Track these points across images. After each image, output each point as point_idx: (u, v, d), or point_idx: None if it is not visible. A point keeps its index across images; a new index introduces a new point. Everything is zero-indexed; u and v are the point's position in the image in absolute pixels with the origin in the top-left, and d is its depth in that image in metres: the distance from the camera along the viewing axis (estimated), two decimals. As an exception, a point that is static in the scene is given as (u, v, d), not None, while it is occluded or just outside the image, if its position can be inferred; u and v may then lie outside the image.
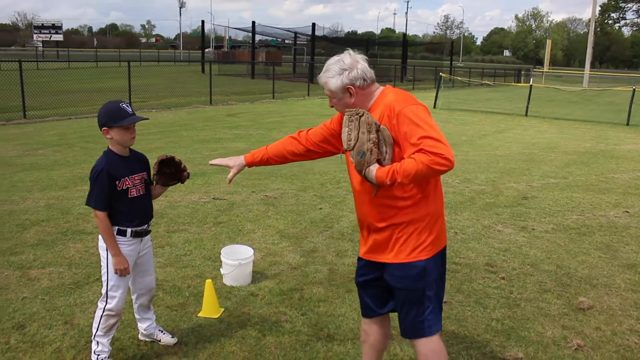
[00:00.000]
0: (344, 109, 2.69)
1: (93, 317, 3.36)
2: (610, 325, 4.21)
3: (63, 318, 3.98)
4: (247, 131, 13.68)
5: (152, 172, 3.31)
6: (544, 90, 32.14)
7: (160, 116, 16.14)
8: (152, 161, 3.40)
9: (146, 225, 3.29)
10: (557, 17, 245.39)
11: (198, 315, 4.09)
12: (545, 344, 3.88)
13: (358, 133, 2.52)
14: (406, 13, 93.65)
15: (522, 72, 54.56)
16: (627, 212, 7.42)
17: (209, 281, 4.13)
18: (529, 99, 20.94)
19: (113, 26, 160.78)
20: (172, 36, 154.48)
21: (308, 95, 25.75)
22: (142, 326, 3.62)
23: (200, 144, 11.58)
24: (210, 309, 4.09)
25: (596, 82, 50.93)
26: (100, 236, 3.19)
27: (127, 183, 3.15)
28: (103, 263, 3.21)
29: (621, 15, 71.06)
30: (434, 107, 21.87)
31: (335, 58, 2.69)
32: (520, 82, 45.54)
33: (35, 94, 16.40)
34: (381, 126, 2.55)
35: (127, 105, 3.10)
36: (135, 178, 3.20)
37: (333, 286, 4.71)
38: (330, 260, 5.29)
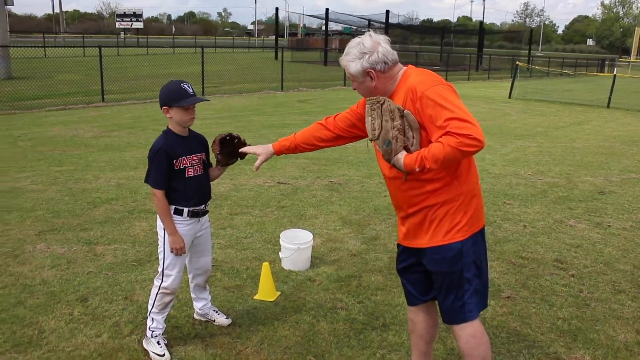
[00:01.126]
0: (366, 92, 2.64)
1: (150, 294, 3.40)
2: (690, 331, 3.90)
3: (123, 293, 4.08)
4: (316, 117, 13.59)
5: (215, 152, 3.31)
6: (630, 81, 30.50)
7: (232, 101, 16.39)
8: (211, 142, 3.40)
9: (203, 206, 3.30)
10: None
11: (254, 297, 4.09)
12: (616, 349, 3.64)
13: (381, 121, 2.46)
14: (484, 0, 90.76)
15: (607, 62, 51.91)
16: None
17: (265, 264, 4.12)
18: (611, 89, 19.86)
19: (191, 14, 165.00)
20: (248, 24, 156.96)
21: (379, 83, 25.42)
22: (197, 305, 3.65)
23: (269, 129, 11.67)
24: (266, 292, 4.08)
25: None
26: (158, 215, 3.22)
27: (184, 162, 3.15)
28: (160, 242, 3.24)
29: None
30: (509, 97, 21.15)
31: (356, 40, 2.60)
32: (603, 72, 43.39)
33: (114, 79, 17.04)
34: (405, 111, 2.46)
35: (188, 86, 3.10)
36: (193, 158, 3.21)
37: (392, 275, 4.60)
38: (392, 249, 5.18)
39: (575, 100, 21.29)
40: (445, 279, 2.65)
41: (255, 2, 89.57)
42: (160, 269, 3.27)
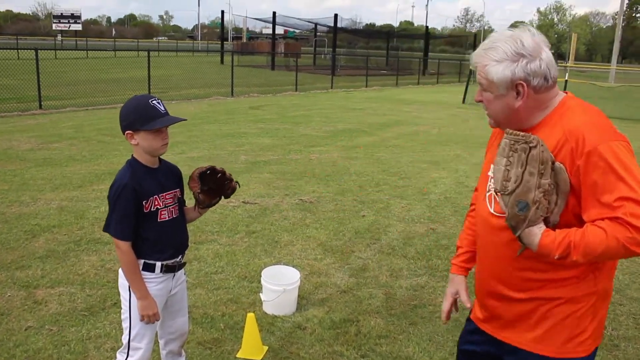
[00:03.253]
0: (499, 112, 1.85)
1: (110, 369, 2.65)
2: None
3: (74, 357, 3.28)
4: (272, 125, 12.94)
5: (194, 191, 2.57)
6: (572, 85, 31.02)
7: (180, 108, 15.45)
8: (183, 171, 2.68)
9: (180, 257, 2.57)
10: (580, 10, 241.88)
11: (237, 356, 3.37)
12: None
13: (523, 172, 1.69)
14: (426, 5, 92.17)
15: (547, 67, 53.10)
16: None
17: (251, 316, 3.40)
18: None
19: (131, 16, 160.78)
20: (190, 27, 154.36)
21: (331, 87, 24.95)
22: (171, 376, 2.91)
23: (224, 138, 10.87)
24: (251, 348, 3.37)
25: (621, 78, 49.53)
26: (121, 271, 2.46)
27: (156, 203, 2.41)
28: (124, 306, 2.48)
29: (649, 9, 69.29)
30: (463, 102, 21.00)
31: (507, 33, 1.79)
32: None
33: (52, 84, 15.83)
34: (556, 164, 1.70)
35: (158, 102, 2.37)
36: (167, 197, 2.47)
37: (393, 317, 3.97)
38: (385, 282, 4.55)
39: (527, 105, 21.27)
40: None
41: (199, 5, 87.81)
42: (125, 341, 2.51)
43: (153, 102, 2.35)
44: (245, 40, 65.87)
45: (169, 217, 2.46)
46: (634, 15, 68.34)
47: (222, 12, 42.70)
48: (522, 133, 1.73)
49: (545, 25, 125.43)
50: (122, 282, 2.46)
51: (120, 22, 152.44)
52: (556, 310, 1.83)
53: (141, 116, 2.32)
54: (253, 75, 27.05)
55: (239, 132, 11.72)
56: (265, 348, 3.44)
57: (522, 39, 1.75)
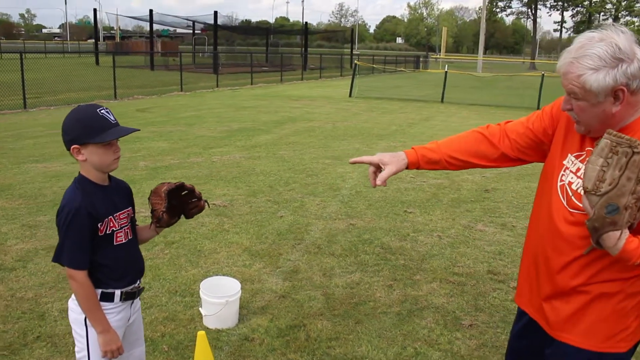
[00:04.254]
0: (593, 119, 1.79)
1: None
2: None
3: (2, 402, 2.92)
4: (164, 128, 12.43)
5: (157, 208, 2.34)
6: (449, 76, 32.73)
7: (61, 114, 14.39)
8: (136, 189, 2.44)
9: (138, 282, 2.33)
10: (446, 5, 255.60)
11: (188, 378, 3.16)
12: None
13: (621, 176, 1.63)
14: (302, 1, 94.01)
15: (420, 59, 55.75)
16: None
17: (201, 334, 3.18)
18: (444, 85, 20.93)
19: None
20: (55, 26, 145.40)
21: (217, 86, 24.47)
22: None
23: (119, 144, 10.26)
24: (203, 368, 3.16)
25: (487, 68, 52.99)
26: (72, 304, 2.19)
27: (112, 225, 2.16)
28: (80, 343, 2.20)
29: (507, 4, 74.99)
30: (350, 95, 21.42)
31: (596, 37, 1.72)
32: (419, 69, 46.48)
33: None
34: None
35: (107, 112, 2.13)
36: (121, 217, 2.22)
37: (337, 317, 3.91)
38: (320, 283, 4.48)
39: (410, 97, 22.15)
40: None
41: (66, 3, 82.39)
42: (83, 381, 2.24)
43: (102, 111, 2.10)
44: (118, 40, 63.09)
45: (125, 239, 2.22)
46: (494, 10, 73.58)
47: (95, 10, 40.48)
48: (626, 136, 1.65)
49: (415, 19, 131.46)
50: (75, 317, 2.19)
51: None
52: (602, 305, 1.85)
53: (89, 128, 2.07)
54: (133, 76, 25.87)
55: (132, 137, 11.10)
56: (217, 366, 3.25)
57: (616, 42, 1.67)
